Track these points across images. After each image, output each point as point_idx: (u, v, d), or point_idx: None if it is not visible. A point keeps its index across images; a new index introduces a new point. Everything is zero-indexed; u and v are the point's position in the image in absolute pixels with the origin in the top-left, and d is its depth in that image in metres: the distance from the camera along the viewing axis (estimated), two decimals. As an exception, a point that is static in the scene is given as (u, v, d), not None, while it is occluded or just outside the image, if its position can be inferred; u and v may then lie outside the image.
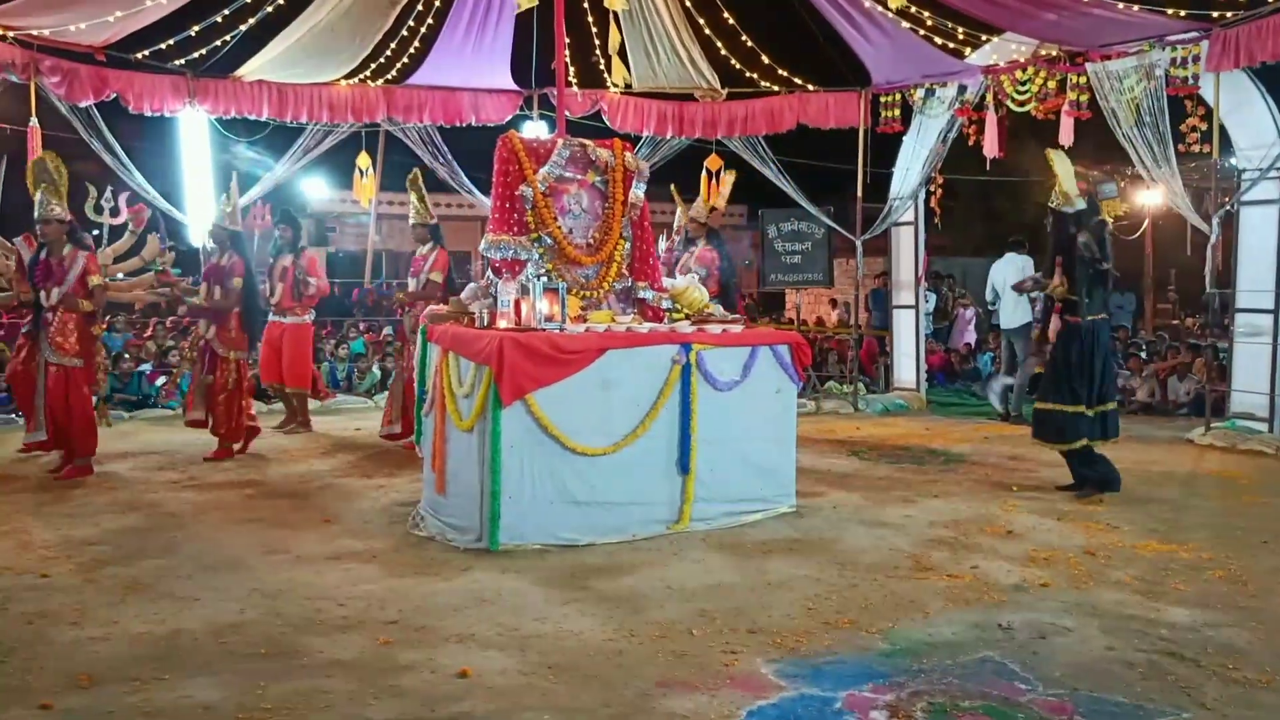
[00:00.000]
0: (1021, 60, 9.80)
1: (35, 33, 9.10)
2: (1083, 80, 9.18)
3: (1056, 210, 6.53)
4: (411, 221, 8.38)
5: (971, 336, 14.79)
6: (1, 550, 5.02)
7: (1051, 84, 9.48)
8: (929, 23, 9.68)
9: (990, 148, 10.20)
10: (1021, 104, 9.78)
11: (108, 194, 8.95)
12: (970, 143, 10.54)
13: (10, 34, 8.93)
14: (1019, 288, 7.80)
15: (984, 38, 9.95)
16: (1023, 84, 9.74)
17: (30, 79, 9.21)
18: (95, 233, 8.46)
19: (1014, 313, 10.24)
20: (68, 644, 3.74)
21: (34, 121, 9.44)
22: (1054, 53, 9.49)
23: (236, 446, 7.81)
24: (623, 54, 8.65)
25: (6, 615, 4.05)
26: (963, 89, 10.41)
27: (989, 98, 10.13)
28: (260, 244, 10.38)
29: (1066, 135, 9.41)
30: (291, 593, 4.37)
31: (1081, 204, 6.48)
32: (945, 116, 10.64)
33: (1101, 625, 4.01)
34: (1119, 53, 8.96)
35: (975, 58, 10.23)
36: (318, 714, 3.15)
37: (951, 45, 10.06)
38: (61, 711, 3.14)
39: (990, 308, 11.30)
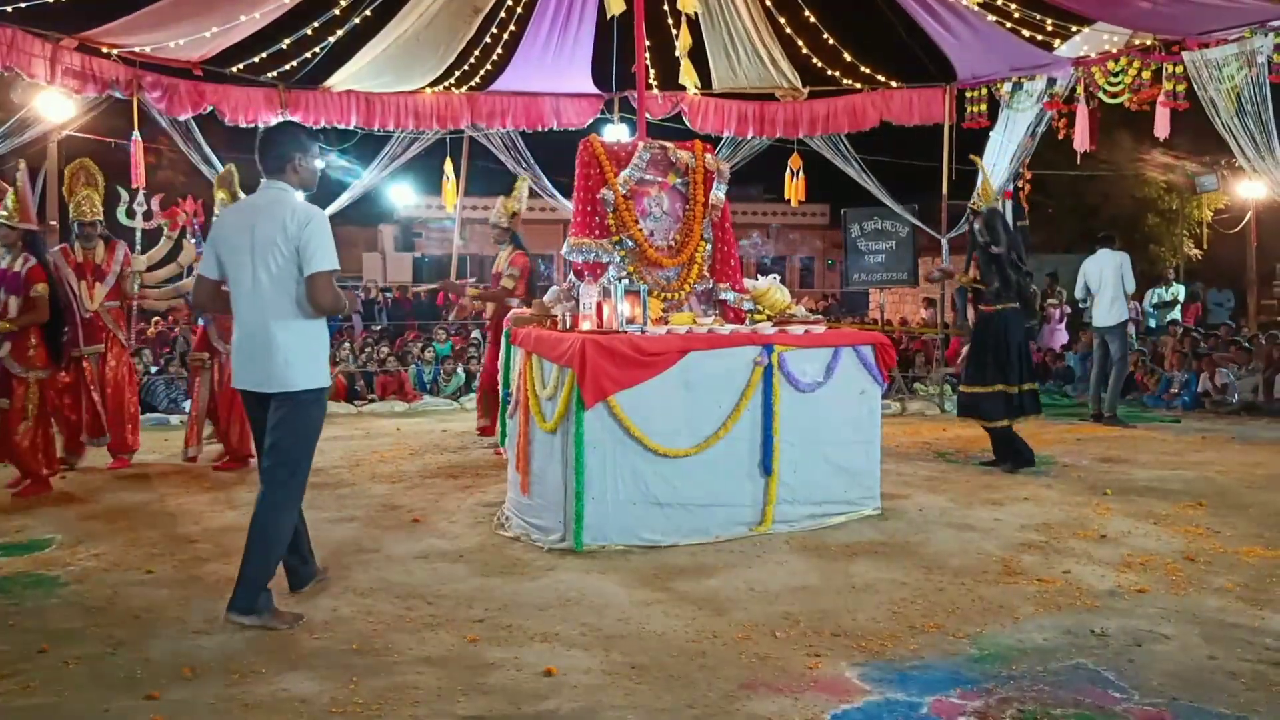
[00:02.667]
0: (1114, 50, 9.53)
1: (137, 50, 9.48)
2: (1179, 69, 8.87)
3: (976, 210, 7.39)
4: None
5: (1063, 336, 14.42)
6: (110, 547, 5.24)
7: (1146, 74, 9.19)
8: (1016, 15, 9.47)
9: (1081, 141, 9.92)
10: (1114, 95, 9.50)
11: (140, 197, 8.50)
12: (1060, 136, 10.28)
13: (114, 52, 9.32)
14: (928, 276, 8.26)
15: (1074, 29, 9.70)
16: (1115, 75, 9.47)
17: (133, 94, 9.61)
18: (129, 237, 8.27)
19: (1109, 311, 9.96)
20: (172, 637, 3.89)
21: (136, 135, 9.85)
22: (1148, 42, 9.20)
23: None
24: (694, 56, 8.66)
25: (115, 609, 4.24)
26: (1052, 82, 10.16)
27: (1080, 90, 9.87)
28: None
29: (1162, 127, 9.12)
30: (382, 591, 4.48)
31: (997, 204, 7.46)
32: (1034, 110, 10.39)
33: (1202, 633, 3.89)
34: (1218, 40, 8.64)
35: (1065, 49, 9.98)
36: (408, 709, 3.22)
37: (1040, 37, 9.84)
38: (167, 702, 3.27)
39: (1081, 305, 11.00)
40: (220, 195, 7.58)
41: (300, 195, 4.27)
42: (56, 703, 3.27)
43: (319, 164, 4.38)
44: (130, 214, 8.31)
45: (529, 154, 11.86)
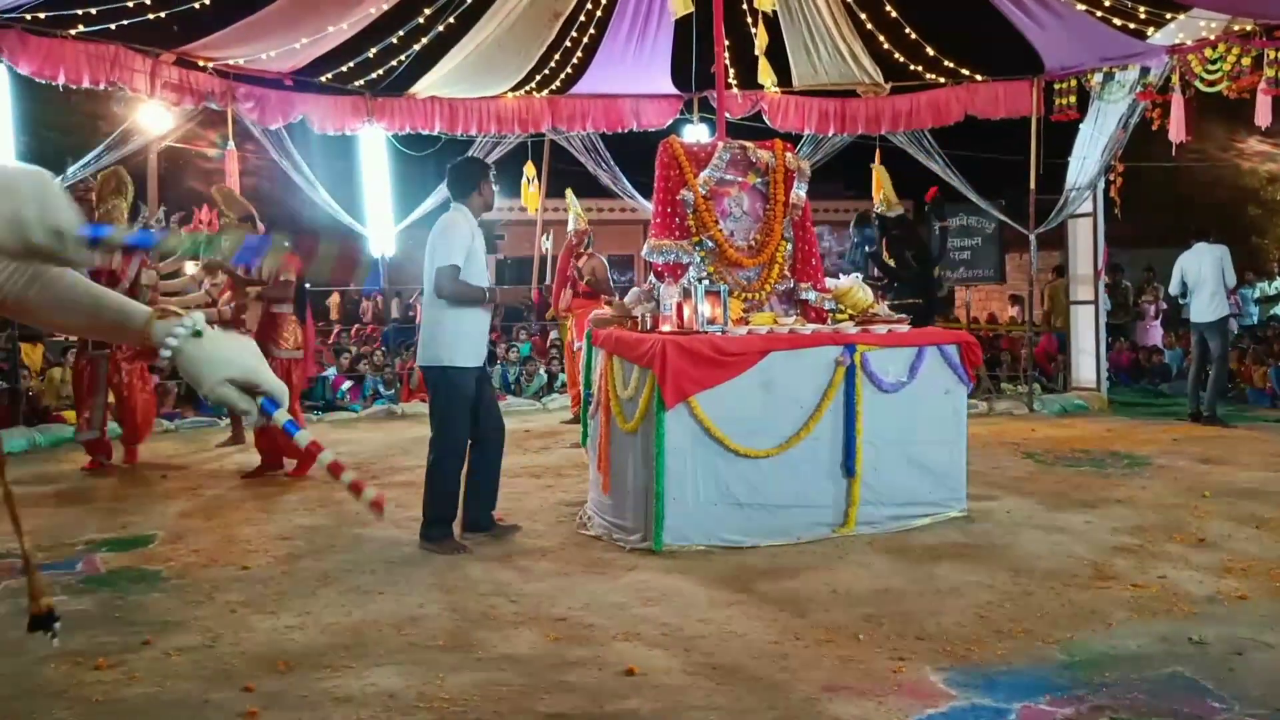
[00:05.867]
0: (1211, 37, 9.20)
1: (231, 62, 9.80)
2: (1282, 55, 8.54)
3: (883, 215, 8.24)
4: None
5: (1158, 333, 13.97)
6: (208, 544, 5.43)
7: (1246, 61, 8.86)
8: (1107, 3, 9.21)
9: (1177, 132, 9.59)
10: (1211, 84, 9.17)
11: (160, 213, 8.89)
12: (1154, 127, 9.96)
13: (210, 65, 9.65)
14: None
15: (1169, 16, 9.39)
16: (1213, 63, 9.14)
17: (227, 106, 9.93)
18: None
19: (1208, 306, 9.59)
20: (267, 631, 4.01)
21: (231, 144, 10.18)
22: (1248, 27, 8.86)
23: None
24: (773, 54, 8.66)
25: (213, 603, 4.39)
26: (1145, 71, 9.85)
27: (1175, 79, 9.55)
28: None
29: (1264, 115, 8.78)
30: (467, 588, 4.55)
31: (900, 210, 8.21)
32: (1126, 101, 10.09)
33: (1307, 642, 3.73)
34: (1323, 24, 8.30)
35: (1159, 37, 9.66)
36: (492, 705, 3.28)
37: (1133, 25, 9.54)
38: (262, 694, 3.38)
39: (1181, 301, 10.64)
40: None
41: (465, 211, 5.34)
42: (158, 692, 3.41)
43: (490, 192, 5.46)
44: (147, 228, 8.62)
45: (609, 155, 11.94)
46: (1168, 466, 7.31)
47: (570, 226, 9.79)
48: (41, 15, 8.10)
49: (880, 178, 8.17)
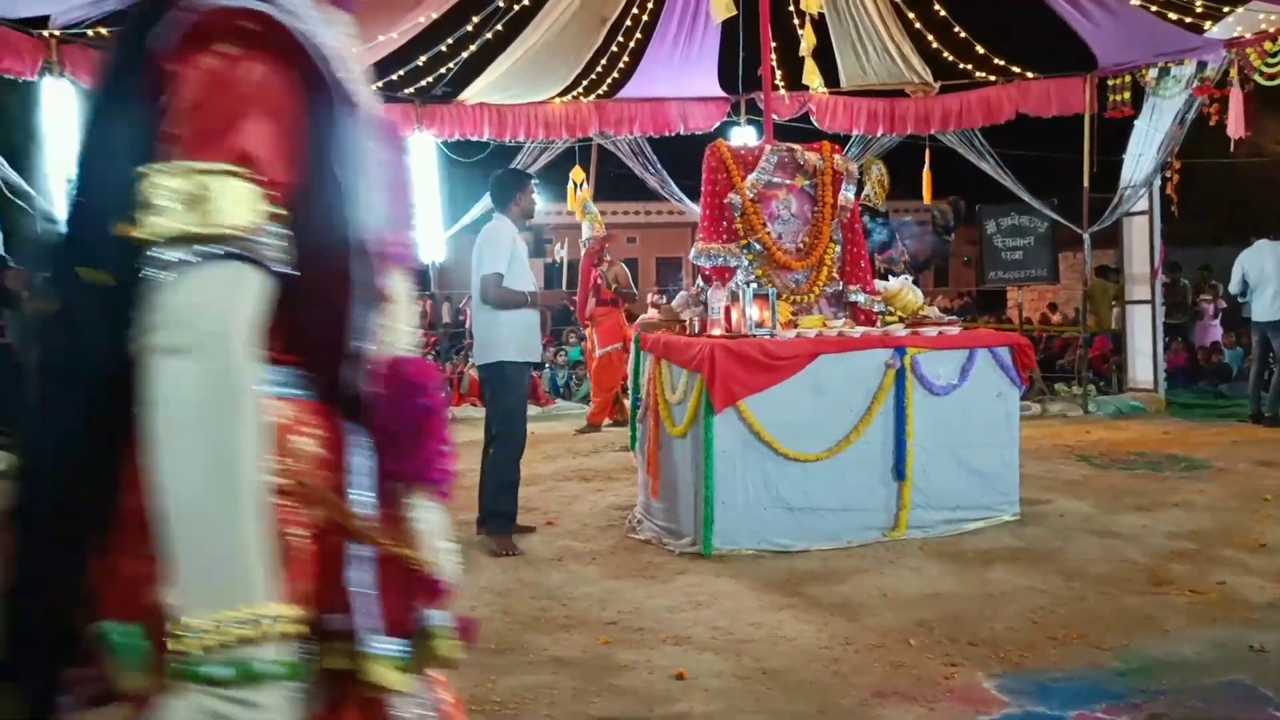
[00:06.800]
0: (1271, 30, 9.00)
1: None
2: (1344, 48, 8.34)
3: (873, 209, 8.26)
4: None
5: (1218, 332, 13.68)
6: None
7: (1307, 54, 8.67)
8: (1162, -2, 9.07)
9: (1235, 128, 9.39)
10: (1271, 78, 8.97)
11: None
12: (1212, 123, 9.76)
13: (264, 76, 9.84)
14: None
15: (1226, 9, 9.20)
16: (1273, 56, 8.94)
17: (282, 115, 10.11)
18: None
19: (1271, 305, 9.38)
20: (323, 633, 4.09)
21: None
22: (1310, 20, 8.66)
23: None
24: (821, 55, 8.65)
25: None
26: (1202, 66, 9.65)
27: (1233, 73, 9.35)
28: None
29: (1326, 109, 8.58)
30: (518, 591, 4.61)
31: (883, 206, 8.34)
32: (1182, 97, 9.89)
33: (1372, 650, 3.65)
34: (1388, 14, 8.08)
35: (1216, 31, 9.47)
36: (544, 709, 3.32)
37: (1188, 20, 9.37)
38: (319, 695, 3.45)
39: (1241, 300, 10.42)
40: None
41: (507, 220, 5.58)
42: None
43: (529, 201, 5.69)
44: None
45: (656, 158, 11.97)
46: (1227, 469, 7.17)
47: (585, 234, 9.98)
48: (104, 31, 8.31)
49: (880, 173, 8.24)
